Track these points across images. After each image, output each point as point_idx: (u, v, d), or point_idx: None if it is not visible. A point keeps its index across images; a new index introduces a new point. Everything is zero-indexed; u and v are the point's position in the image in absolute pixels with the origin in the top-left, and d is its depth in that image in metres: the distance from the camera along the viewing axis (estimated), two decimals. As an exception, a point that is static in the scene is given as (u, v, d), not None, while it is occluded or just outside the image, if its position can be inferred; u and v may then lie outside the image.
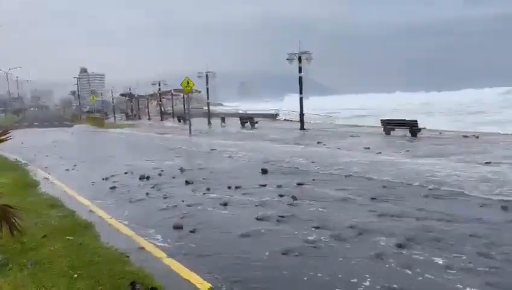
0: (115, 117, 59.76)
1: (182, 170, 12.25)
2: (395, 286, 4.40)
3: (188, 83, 25.84)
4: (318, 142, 18.80)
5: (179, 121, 44.61)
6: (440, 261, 4.99)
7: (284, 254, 5.38)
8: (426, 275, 4.63)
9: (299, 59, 26.24)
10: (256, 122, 32.54)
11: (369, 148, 16.15)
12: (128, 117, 62.28)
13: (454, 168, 11.04)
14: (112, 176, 11.64)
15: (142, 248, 5.79)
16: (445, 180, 9.50)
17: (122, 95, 71.73)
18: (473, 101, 48.88)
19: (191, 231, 6.44)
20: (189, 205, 8.06)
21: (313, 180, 10.14)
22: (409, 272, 4.73)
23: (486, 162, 11.74)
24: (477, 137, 18.74)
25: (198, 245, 5.86)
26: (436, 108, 44.50)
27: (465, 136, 19.13)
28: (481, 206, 7.37)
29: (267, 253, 5.43)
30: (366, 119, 31.71)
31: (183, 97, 43.17)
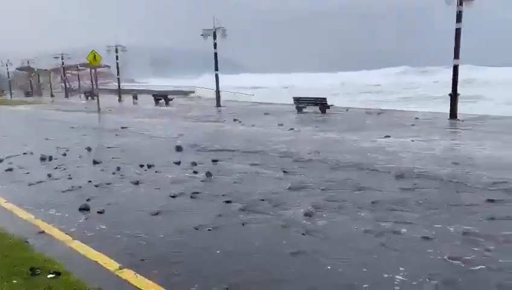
0: (11, 93, 53.98)
1: (89, 149, 11.52)
2: (303, 249, 4.63)
3: (94, 56, 24.10)
4: (234, 120, 18.92)
5: (87, 97, 41.78)
6: (345, 221, 5.37)
7: (196, 229, 5.36)
8: (330, 236, 4.95)
9: (214, 35, 25.89)
10: (171, 100, 31.70)
11: (282, 124, 16.66)
12: (27, 94, 56.61)
13: (356, 141, 11.89)
14: (8, 157, 10.55)
15: (43, 232, 5.37)
16: (347, 153, 10.18)
17: (19, 69, 64.69)
18: (377, 81, 52.79)
19: (99, 212, 6.11)
20: (96, 185, 7.63)
21: (230, 158, 10.19)
22: (315, 237, 5.01)
23: (385, 136, 12.80)
24: (380, 113, 20.35)
25: (107, 226, 5.59)
26: (347, 88, 47.31)
27: (369, 112, 20.69)
28: (378, 175, 8.03)
29: (179, 229, 5.36)
30: (281, 98, 32.59)
31: (91, 72, 40.32)
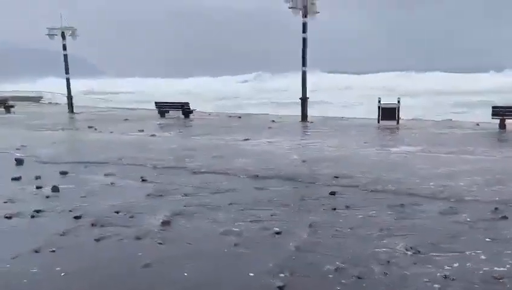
0: None
1: None
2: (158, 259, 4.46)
3: None
4: (89, 127, 17.50)
5: None
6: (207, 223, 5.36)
7: (36, 252, 4.72)
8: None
9: (63, 35, 23.62)
10: (12, 106, 27.80)
11: (143, 130, 16.04)
12: None
13: (216, 145, 12.15)
14: None
15: None
16: (210, 158, 10.31)
17: None
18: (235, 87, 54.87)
19: None
20: None
21: (85, 167, 9.34)
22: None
23: (245, 139, 13.35)
24: (240, 117, 21.18)
25: None
26: (203, 93, 47.94)
27: (230, 116, 21.38)
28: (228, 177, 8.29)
29: (16, 253, 4.65)
30: (142, 103, 31.38)
31: None
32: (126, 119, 20.47)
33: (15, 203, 6.64)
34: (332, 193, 6.86)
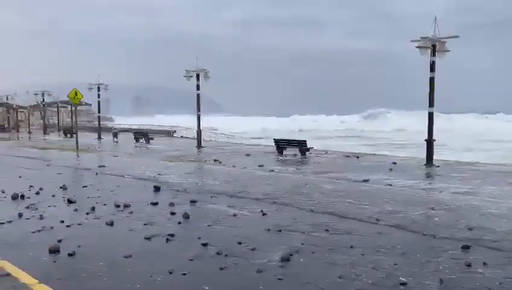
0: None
1: (63, 187, 11.22)
2: None
3: (76, 94, 24.06)
4: (215, 160, 18.88)
5: (65, 135, 41.14)
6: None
7: (170, 273, 5.19)
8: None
9: (197, 76, 26.29)
10: (151, 139, 31.56)
11: (263, 165, 16.71)
12: (3, 129, 55.35)
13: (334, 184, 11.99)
14: (-23, 195, 10.17)
15: (8, 274, 5.11)
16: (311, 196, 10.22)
17: (-3, 105, 63.60)
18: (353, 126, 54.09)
19: (70, 254, 5.87)
20: (69, 226, 7.38)
21: (211, 197, 10.08)
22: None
23: (363, 180, 12.95)
24: (358, 157, 20.67)
25: (77, 269, 5.37)
26: (324, 131, 48.18)
27: (347, 156, 20.99)
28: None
29: (151, 273, 5.19)
30: (262, 140, 32.88)
31: (71, 110, 40.04)
32: (247, 155, 21.58)
33: (153, 225, 7.44)
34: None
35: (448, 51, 16.59)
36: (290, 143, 22.97)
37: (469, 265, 5.47)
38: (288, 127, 49.43)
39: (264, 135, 32.84)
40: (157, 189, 11.00)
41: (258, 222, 7.84)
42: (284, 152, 22.64)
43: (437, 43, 16.22)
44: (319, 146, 25.44)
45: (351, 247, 6.27)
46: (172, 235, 6.78)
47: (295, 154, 21.63)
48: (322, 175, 14.25)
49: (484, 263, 5.53)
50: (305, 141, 22.07)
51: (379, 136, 39.64)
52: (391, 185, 12.18)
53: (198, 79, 26.34)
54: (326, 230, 7.18)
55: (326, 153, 22.94)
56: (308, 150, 21.73)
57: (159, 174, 13.71)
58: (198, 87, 26.65)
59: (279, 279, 5.08)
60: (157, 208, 8.87)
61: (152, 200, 9.50)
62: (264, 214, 8.33)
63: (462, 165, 17.25)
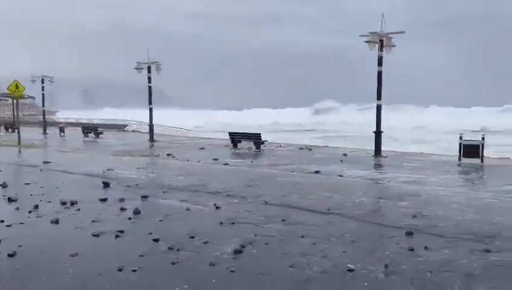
0: None
1: (3, 185, 10.54)
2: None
3: (17, 86, 22.63)
4: (168, 154, 18.55)
5: (7, 130, 38.72)
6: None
7: (119, 270, 5.04)
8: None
9: (149, 69, 25.62)
10: (101, 133, 30.44)
11: (217, 159, 16.63)
12: None
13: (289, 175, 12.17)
14: None
15: None
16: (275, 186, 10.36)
17: None
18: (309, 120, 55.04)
19: (10, 255, 5.53)
20: (9, 226, 6.96)
21: (163, 192, 9.87)
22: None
23: (315, 171, 13.25)
24: (311, 149, 21.11)
25: (18, 270, 5.08)
26: (280, 124, 48.61)
27: (301, 149, 21.39)
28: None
29: (100, 271, 5.01)
30: (217, 133, 32.63)
31: (12, 103, 37.70)
32: (202, 148, 21.38)
33: (101, 222, 7.18)
34: (410, 233, 6.52)
35: (394, 46, 17.26)
36: (245, 136, 23.03)
37: (412, 250, 5.76)
38: (243, 120, 49.49)
39: (220, 129, 32.65)
40: (106, 185, 10.62)
41: (211, 215, 7.79)
42: (239, 145, 22.68)
43: (384, 38, 16.84)
44: (274, 139, 25.71)
45: (303, 237, 6.39)
46: (122, 231, 6.58)
47: (250, 148, 21.73)
48: (276, 167, 14.42)
49: (426, 247, 5.84)
50: (259, 134, 22.21)
51: (331, 129, 40.70)
52: (342, 175, 12.55)
53: (149, 71, 25.70)
54: (280, 221, 7.27)
55: (281, 146, 23.28)
56: (262, 143, 21.90)
57: (108, 170, 13.24)
58: (149, 80, 26.01)
59: (232, 271, 5.08)
60: (106, 205, 8.57)
61: (101, 196, 9.16)
62: (217, 208, 8.29)
63: (408, 156, 18.12)
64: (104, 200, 8.88)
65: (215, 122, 50.43)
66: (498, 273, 5.00)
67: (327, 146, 23.64)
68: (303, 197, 9.31)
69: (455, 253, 5.65)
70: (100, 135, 29.95)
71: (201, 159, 16.73)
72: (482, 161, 15.33)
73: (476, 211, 8.02)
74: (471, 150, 15.54)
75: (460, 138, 15.96)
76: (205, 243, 6.10)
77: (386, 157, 17.43)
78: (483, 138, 15.58)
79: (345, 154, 18.26)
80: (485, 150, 15.60)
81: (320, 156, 18.26)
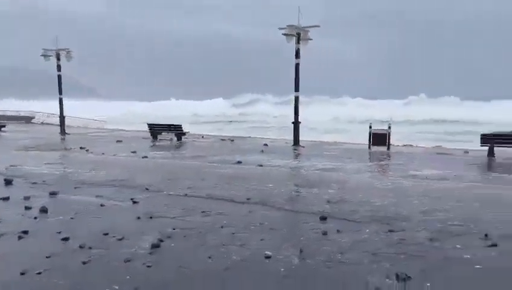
0: None
1: None
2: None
3: None
4: (81, 148, 17.44)
5: None
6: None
7: (22, 274, 4.63)
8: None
9: (58, 56, 23.76)
10: (3, 126, 27.68)
11: (135, 152, 16.00)
12: None
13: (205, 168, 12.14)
14: None
15: None
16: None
17: None
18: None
19: None
20: None
21: (75, 188, 9.25)
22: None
23: (237, 161, 13.37)
24: (233, 140, 21.23)
25: None
26: (202, 116, 47.99)
27: (223, 140, 21.42)
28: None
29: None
30: (136, 125, 31.33)
31: None
32: (119, 141, 20.43)
33: (3, 223, 6.54)
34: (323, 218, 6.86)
35: (310, 39, 17.93)
36: (165, 128, 22.44)
37: (325, 233, 6.06)
38: (164, 111, 48.08)
39: (139, 121, 31.33)
40: (8, 182, 9.68)
41: (127, 211, 7.49)
42: (159, 137, 22.08)
43: (301, 32, 17.40)
44: (196, 130, 25.40)
45: (222, 227, 6.41)
46: (26, 232, 6.05)
47: (171, 139, 21.27)
48: (197, 159, 14.27)
49: (338, 231, 6.19)
50: (180, 125, 21.78)
51: (252, 120, 41.35)
52: (262, 165, 12.80)
53: (58, 59, 23.86)
54: (199, 213, 7.22)
55: (203, 137, 23.10)
56: (184, 134, 21.54)
57: (12, 166, 12.09)
58: (59, 68, 24.17)
59: (148, 266, 4.93)
60: (9, 204, 7.84)
61: (2, 195, 8.33)
62: (135, 203, 7.99)
63: (324, 145, 19.03)
64: (6, 199, 8.10)
65: (136, 113, 48.31)
66: (399, 249, 5.45)
67: (249, 137, 23.96)
68: (224, 188, 9.34)
69: (363, 234, 6.06)
70: (2, 128, 27.21)
71: (118, 152, 15.99)
72: (388, 148, 16.63)
73: (383, 195, 8.67)
74: (379, 138, 16.78)
75: (370, 127, 17.14)
76: (120, 239, 5.84)
77: (304, 147, 18.14)
78: (389, 127, 16.90)
79: (266, 145, 18.67)
80: (391, 138, 16.92)
81: (241, 146, 18.45)
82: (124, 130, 27.86)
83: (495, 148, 14.78)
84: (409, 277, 4.51)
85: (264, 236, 5.98)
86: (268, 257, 5.17)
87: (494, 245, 5.56)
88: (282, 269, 4.83)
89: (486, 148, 14.87)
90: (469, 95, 54.24)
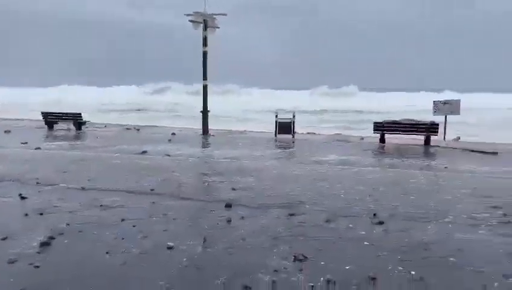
0: None
1: None
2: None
3: None
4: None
5: None
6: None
7: None
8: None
9: None
10: None
11: (26, 143, 14.55)
12: None
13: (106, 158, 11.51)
14: None
15: None
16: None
17: None
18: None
19: None
20: None
21: None
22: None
23: (142, 151, 12.86)
24: (139, 129, 20.41)
25: None
26: (106, 104, 45.18)
27: (128, 129, 20.49)
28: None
29: None
30: (30, 113, 28.41)
31: None
32: (7, 131, 18.40)
33: None
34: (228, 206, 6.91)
35: (218, 27, 17.84)
36: (62, 116, 20.75)
37: (229, 221, 6.11)
38: (60, 98, 44.20)
39: (36, 108, 28.33)
40: None
41: (14, 207, 6.78)
42: (56, 127, 20.39)
43: (208, 19, 17.21)
44: (98, 119, 23.89)
45: (123, 220, 6.11)
46: None
47: (69, 129, 19.79)
48: (98, 150, 13.45)
49: (242, 217, 6.29)
50: (79, 113, 20.30)
51: (161, 109, 40.11)
52: (169, 155, 12.49)
53: None
54: (97, 206, 6.80)
55: (105, 126, 21.84)
56: (83, 123, 20.15)
57: None
58: None
59: (36, 267, 4.51)
60: None
61: None
62: (23, 198, 7.26)
63: (233, 134, 19.20)
64: None
65: (31, 101, 43.71)
66: (298, 232, 5.71)
67: (156, 126, 23.23)
68: (126, 180, 8.91)
69: (266, 220, 6.23)
70: None
71: (6, 144, 14.39)
72: (293, 136, 17.35)
73: (287, 180, 9.02)
74: (284, 127, 17.42)
75: (276, 116, 17.70)
76: (4, 239, 5.27)
77: (214, 135, 18.12)
78: (293, 116, 17.61)
79: (174, 134, 18.27)
80: (296, 126, 17.67)
81: (148, 136, 17.83)
82: (14, 119, 25.14)
83: (386, 135, 16.26)
84: (306, 257, 4.75)
85: (167, 227, 5.84)
86: (170, 248, 5.05)
87: (381, 223, 6.10)
88: (184, 259, 4.75)
89: (378, 135, 16.31)
90: (365, 86, 58.77)
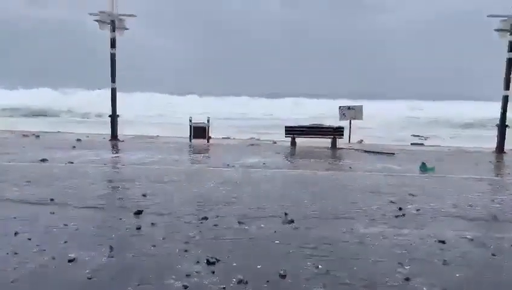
0: None
1: None
2: None
3: None
4: None
5: None
6: None
7: None
8: None
9: None
10: None
11: None
12: None
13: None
14: None
15: None
16: None
17: None
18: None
19: None
20: None
21: None
22: None
23: (41, 159, 11.80)
24: (39, 136, 18.74)
25: None
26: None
27: (25, 136, 18.71)
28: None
29: None
30: None
31: None
32: None
33: None
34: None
35: (126, 28, 17.11)
36: None
37: (139, 228, 5.84)
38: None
39: None
40: None
41: None
42: None
43: (116, 20, 16.43)
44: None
45: (16, 234, 5.51)
46: None
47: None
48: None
49: (152, 224, 6.05)
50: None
51: (68, 114, 37.37)
52: (72, 162, 11.62)
53: None
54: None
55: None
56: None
57: None
58: None
59: None
60: None
61: None
62: None
63: (145, 139, 18.53)
64: None
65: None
66: (211, 235, 5.65)
67: (59, 132, 21.53)
68: (22, 190, 8.09)
69: (177, 224, 6.07)
70: None
71: None
72: (208, 141, 17.26)
73: (199, 184, 8.91)
74: (199, 131, 17.26)
75: (190, 120, 17.46)
76: None
77: (123, 141, 17.30)
78: (208, 121, 17.53)
79: (79, 140, 17.07)
80: (210, 131, 17.60)
81: (49, 143, 16.42)
82: None
83: (296, 139, 16.95)
84: (218, 259, 4.70)
85: (68, 238, 5.39)
86: (71, 260, 4.66)
87: (292, 221, 6.30)
88: (86, 271, 4.41)
89: (289, 138, 16.94)
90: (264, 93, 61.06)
